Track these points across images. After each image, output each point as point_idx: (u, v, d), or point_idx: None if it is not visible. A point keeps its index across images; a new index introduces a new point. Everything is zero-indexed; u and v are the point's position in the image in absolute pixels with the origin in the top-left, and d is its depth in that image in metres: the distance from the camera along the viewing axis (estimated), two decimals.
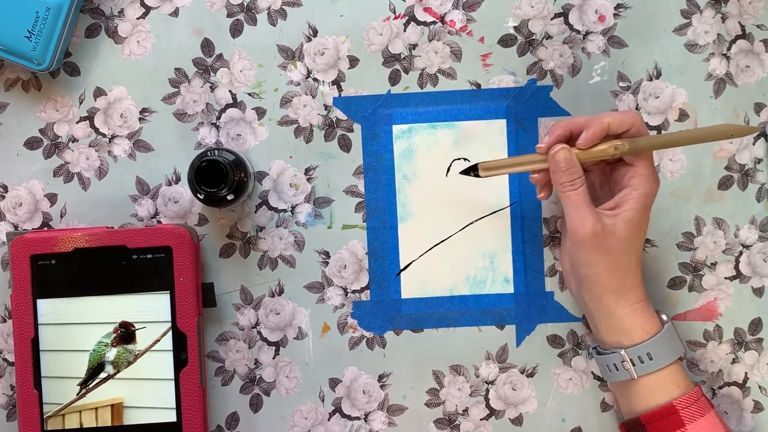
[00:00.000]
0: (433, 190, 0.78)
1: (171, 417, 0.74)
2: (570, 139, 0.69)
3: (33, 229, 0.77)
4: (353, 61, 0.78)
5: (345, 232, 0.78)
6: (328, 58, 0.78)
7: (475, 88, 0.78)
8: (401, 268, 0.78)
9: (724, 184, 0.78)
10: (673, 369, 0.70)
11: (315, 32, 0.77)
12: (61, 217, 0.77)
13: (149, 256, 0.73)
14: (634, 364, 0.70)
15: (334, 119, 0.78)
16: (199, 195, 0.71)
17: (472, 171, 0.72)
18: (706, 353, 0.78)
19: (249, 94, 0.78)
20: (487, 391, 0.78)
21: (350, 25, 0.77)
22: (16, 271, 0.73)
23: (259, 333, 0.78)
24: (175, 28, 0.77)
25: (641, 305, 0.70)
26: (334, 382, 0.78)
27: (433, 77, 0.78)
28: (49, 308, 0.73)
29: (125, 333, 0.74)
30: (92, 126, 0.77)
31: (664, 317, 0.72)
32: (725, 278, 0.78)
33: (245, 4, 0.77)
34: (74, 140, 0.77)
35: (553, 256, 0.78)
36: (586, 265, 0.70)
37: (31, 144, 0.77)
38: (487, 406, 0.78)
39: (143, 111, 0.77)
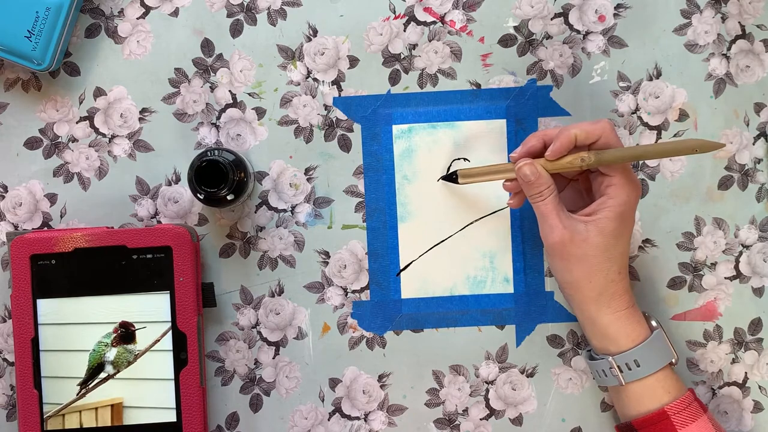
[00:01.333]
0: (433, 190, 0.78)
1: (171, 417, 0.74)
2: (544, 150, 0.70)
3: (33, 229, 0.77)
4: (353, 61, 0.78)
5: (345, 232, 0.78)
6: (328, 58, 0.78)
7: (475, 88, 0.78)
8: (401, 268, 0.78)
9: (724, 184, 0.78)
10: (662, 375, 0.70)
11: (315, 32, 0.77)
12: (61, 217, 0.77)
13: (149, 256, 0.73)
14: (621, 371, 0.70)
15: (334, 119, 0.78)
16: (199, 195, 0.71)
17: (451, 177, 0.74)
18: (706, 353, 0.78)
19: (249, 94, 0.78)
20: (487, 391, 0.78)
21: (350, 25, 0.77)
22: (16, 271, 0.73)
23: (259, 333, 0.78)
24: (175, 28, 0.77)
25: (626, 312, 0.70)
26: (334, 382, 0.78)
27: (433, 77, 0.78)
28: (49, 308, 0.73)
29: (125, 333, 0.74)
30: (92, 126, 0.77)
31: (654, 323, 0.72)
32: (725, 278, 0.78)
33: (245, 4, 0.77)
34: (74, 140, 0.77)
35: None
36: (560, 272, 0.70)
37: (31, 144, 0.77)
38: (487, 406, 0.78)
39: (143, 111, 0.77)
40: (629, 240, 0.70)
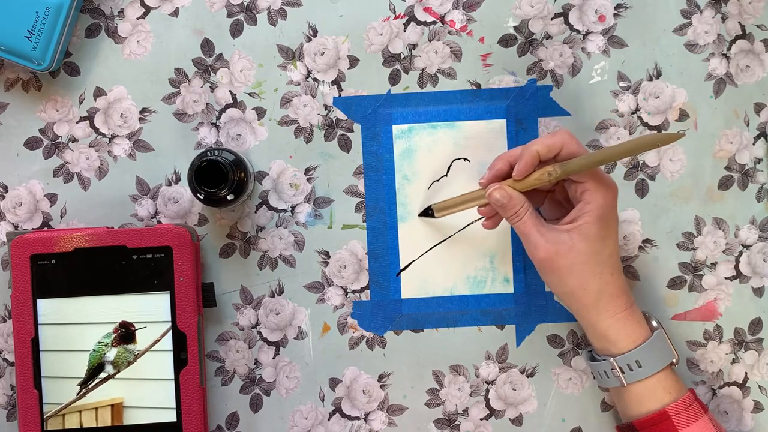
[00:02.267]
0: (433, 190, 0.78)
1: (171, 417, 0.74)
2: (511, 170, 0.70)
3: (33, 229, 0.77)
4: (353, 61, 0.78)
5: (345, 232, 0.78)
6: (328, 58, 0.78)
7: (475, 88, 0.78)
8: (401, 268, 0.78)
9: (724, 184, 0.78)
10: (663, 375, 0.70)
11: (315, 32, 0.77)
12: (61, 217, 0.77)
13: (149, 256, 0.73)
14: (623, 372, 0.70)
15: (334, 119, 0.78)
16: (199, 195, 0.71)
17: (428, 213, 0.76)
18: (706, 353, 0.78)
19: (249, 94, 0.78)
20: (487, 391, 0.78)
21: (350, 25, 0.77)
22: (16, 271, 0.73)
23: (259, 333, 0.78)
24: (175, 28, 0.77)
25: (625, 314, 0.70)
26: (334, 382, 0.78)
27: (433, 77, 0.78)
28: (49, 308, 0.73)
29: (125, 333, 0.74)
30: (92, 126, 0.77)
31: (654, 323, 0.72)
32: (725, 278, 0.78)
33: (245, 4, 0.77)
34: (74, 140, 0.77)
35: None
36: (554, 285, 0.71)
37: (31, 144, 0.77)
38: (487, 406, 0.78)
39: (143, 111, 0.77)
40: (616, 240, 0.70)
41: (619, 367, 0.70)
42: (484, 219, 0.74)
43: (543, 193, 0.74)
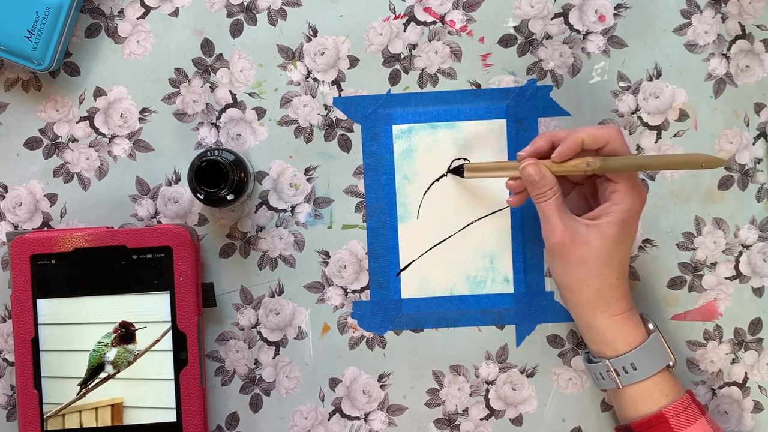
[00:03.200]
0: (433, 190, 0.78)
1: (171, 417, 0.74)
2: (551, 151, 0.70)
3: (33, 229, 0.77)
4: (353, 61, 0.78)
5: (345, 232, 0.78)
6: (328, 58, 0.78)
7: (475, 88, 0.78)
8: (401, 268, 0.78)
9: (724, 184, 0.78)
10: (660, 378, 0.70)
11: (315, 32, 0.77)
12: (61, 217, 0.77)
13: (149, 256, 0.73)
14: (618, 374, 0.70)
15: (334, 119, 0.78)
16: (199, 195, 0.71)
17: (458, 171, 0.75)
18: (706, 353, 0.78)
19: (249, 94, 0.78)
20: (487, 391, 0.78)
21: (350, 25, 0.77)
22: (16, 271, 0.73)
23: (259, 333, 0.78)
24: (175, 28, 0.77)
25: (622, 317, 0.70)
26: (334, 382, 0.78)
27: (433, 77, 0.78)
28: (49, 308, 0.73)
29: (125, 333, 0.74)
30: (92, 126, 0.77)
31: (651, 326, 0.72)
32: (725, 278, 0.78)
33: (245, 4, 0.77)
34: (74, 140, 0.77)
35: None
36: (559, 274, 0.71)
37: (31, 144, 0.77)
38: (487, 406, 0.78)
39: (143, 111, 0.77)
40: (630, 247, 0.70)
41: (615, 370, 0.70)
42: (510, 194, 0.73)
43: (572, 184, 0.74)
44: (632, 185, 0.69)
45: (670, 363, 0.71)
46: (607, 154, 0.69)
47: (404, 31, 0.78)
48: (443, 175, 0.77)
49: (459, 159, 0.78)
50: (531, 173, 0.69)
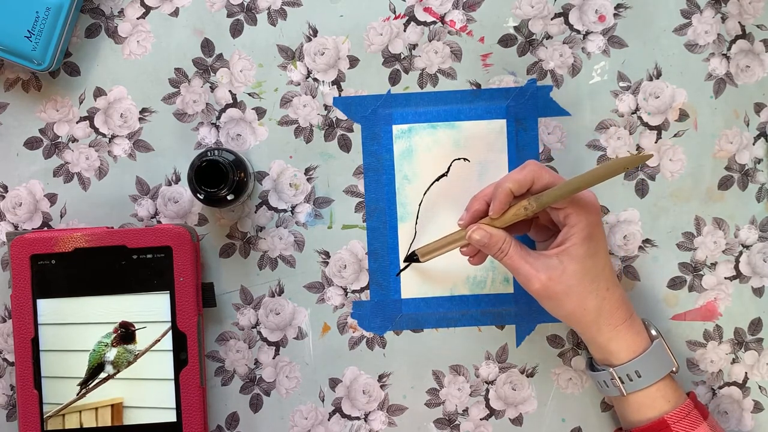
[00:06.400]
0: (433, 190, 0.78)
1: (171, 417, 0.74)
2: (488, 208, 0.70)
3: (33, 229, 0.77)
4: (353, 61, 0.78)
5: (345, 232, 0.78)
6: (328, 58, 0.78)
7: (475, 88, 0.78)
8: (401, 268, 0.78)
9: (724, 184, 0.78)
10: (663, 384, 0.70)
11: (315, 32, 0.77)
12: (61, 217, 0.77)
13: (149, 256, 0.73)
14: (623, 382, 0.70)
15: (334, 119, 0.78)
16: (199, 195, 0.71)
17: (412, 258, 0.75)
18: (706, 353, 0.78)
19: (249, 94, 0.78)
20: (487, 391, 0.78)
21: (350, 25, 0.77)
22: (16, 271, 0.73)
23: (259, 333, 0.78)
24: (175, 28, 0.77)
25: (624, 325, 0.70)
26: (334, 382, 0.78)
27: (433, 77, 0.78)
28: (49, 308, 0.73)
29: (125, 333, 0.74)
30: (92, 126, 0.77)
31: (654, 332, 0.72)
32: (725, 278, 0.78)
33: (245, 4, 0.77)
34: (74, 140, 0.77)
35: None
36: (554, 310, 0.71)
37: (31, 144, 0.77)
38: (487, 406, 0.78)
39: (143, 111, 0.77)
40: (606, 255, 0.70)
41: (619, 378, 0.70)
42: (468, 257, 0.73)
43: (528, 220, 0.73)
44: (579, 203, 0.69)
45: (673, 369, 0.71)
46: (539, 190, 0.69)
47: (404, 31, 0.78)
48: (443, 175, 0.77)
49: (459, 159, 0.78)
50: (478, 238, 0.70)
